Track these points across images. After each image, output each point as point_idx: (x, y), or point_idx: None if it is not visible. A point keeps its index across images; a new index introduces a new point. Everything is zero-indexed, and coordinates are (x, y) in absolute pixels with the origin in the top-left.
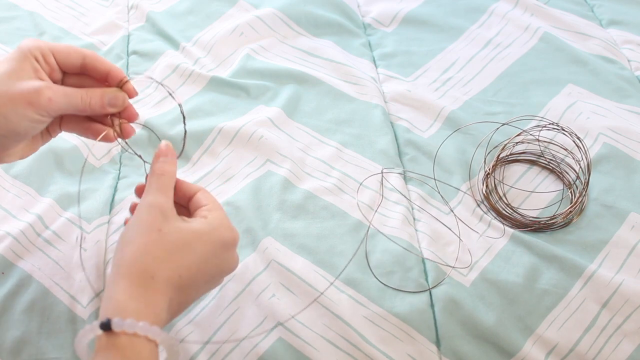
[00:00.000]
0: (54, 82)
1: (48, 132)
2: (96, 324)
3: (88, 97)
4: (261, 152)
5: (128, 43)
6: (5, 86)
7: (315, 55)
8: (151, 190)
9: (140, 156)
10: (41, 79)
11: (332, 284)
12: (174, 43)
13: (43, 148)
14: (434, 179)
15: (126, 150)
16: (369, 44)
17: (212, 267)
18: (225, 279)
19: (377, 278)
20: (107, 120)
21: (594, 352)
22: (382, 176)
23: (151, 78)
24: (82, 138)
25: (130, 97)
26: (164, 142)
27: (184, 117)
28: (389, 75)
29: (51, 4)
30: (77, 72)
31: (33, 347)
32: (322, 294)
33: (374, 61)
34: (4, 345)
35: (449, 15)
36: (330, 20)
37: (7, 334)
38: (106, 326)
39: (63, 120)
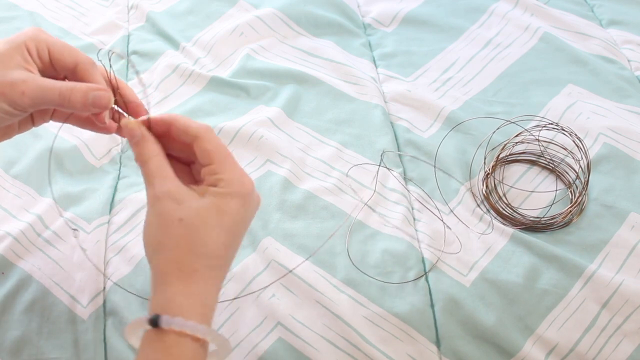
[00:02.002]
0: (49, 77)
1: (31, 121)
2: (145, 318)
3: (68, 93)
4: (261, 152)
5: (128, 43)
6: None
7: (315, 55)
8: (150, 181)
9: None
10: (29, 71)
11: (307, 259)
12: (174, 43)
13: (43, 148)
14: (435, 180)
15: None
16: (369, 44)
17: (242, 228)
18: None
19: (353, 263)
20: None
21: (594, 352)
22: (378, 171)
23: (118, 54)
24: (82, 138)
25: (127, 105)
26: (123, 122)
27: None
28: (389, 75)
29: (51, 4)
30: (71, 75)
31: (33, 347)
32: (291, 271)
33: (374, 61)
34: (4, 345)
35: (449, 15)
36: (330, 20)
37: (7, 334)
38: (155, 322)
39: (55, 111)
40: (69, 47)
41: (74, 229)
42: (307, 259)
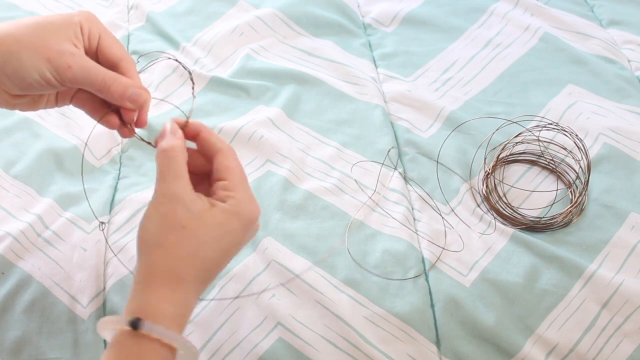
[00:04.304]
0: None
1: (55, 99)
2: (125, 319)
3: (111, 81)
4: (261, 152)
5: (128, 43)
6: (37, 33)
7: (316, 56)
8: (163, 176)
9: (150, 143)
10: (75, 46)
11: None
12: (174, 43)
13: (43, 148)
14: (437, 179)
15: (140, 139)
16: (369, 44)
17: (235, 250)
18: (225, 277)
19: (353, 259)
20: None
21: (594, 352)
22: (381, 170)
23: (170, 56)
24: (83, 138)
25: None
26: (168, 122)
27: (193, 88)
28: (389, 76)
29: (51, 4)
30: (112, 69)
31: (33, 347)
32: (297, 276)
33: (374, 61)
34: (4, 345)
35: (449, 16)
36: (330, 21)
37: (7, 334)
38: (135, 325)
39: (77, 93)
40: (118, 41)
41: (102, 222)
42: (314, 264)
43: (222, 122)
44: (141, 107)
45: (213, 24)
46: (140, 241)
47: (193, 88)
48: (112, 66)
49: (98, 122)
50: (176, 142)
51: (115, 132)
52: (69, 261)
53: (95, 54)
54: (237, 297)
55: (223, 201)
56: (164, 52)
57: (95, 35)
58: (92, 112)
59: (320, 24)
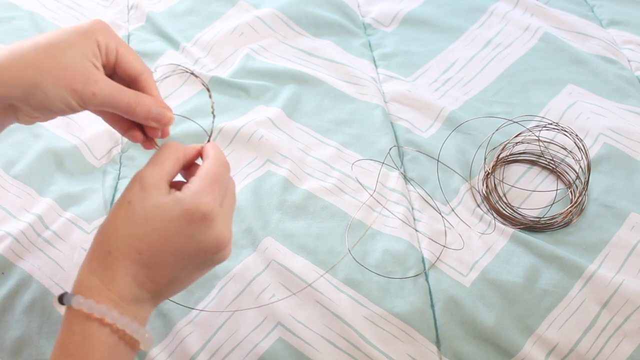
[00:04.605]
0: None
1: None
2: (56, 296)
3: (135, 104)
4: (261, 152)
5: (128, 43)
6: (57, 59)
7: (315, 56)
8: (148, 162)
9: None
10: (95, 67)
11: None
12: (174, 43)
13: (43, 148)
14: (437, 179)
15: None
16: (369, 44)
17: (179, 244)
18: (225, 277)
19: (354, 258)
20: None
21: (594, 352)
22: (380, 170)
23: (186, 69)
24: (83, 138)
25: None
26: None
27: (212, 106)
28: (389, 76)
29: (51, 4)
30: (131, 82)
31: (33, 347)
32: (310, 285)
33: (374, 61)
34: (4, 345)
35: (449, 16)
36: (330, 20)
37: (7, 334)
38: (61, 299)
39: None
40: (135, 54)
41: None
42: (325, 273)
43: (222, 122)
44: (164, 125)
45: (213, 24)
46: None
47: (212, 106)
48: (132, 80)
49: (123, 135)
50: (174, 144)
51: (115, 132)
52: (69, 261)
53: (113, 68)
54: (237, 310)
55: (179, 190)
56: (181, 66)
57: (113, 50)
58: (114, 125)
59: (320, 24)
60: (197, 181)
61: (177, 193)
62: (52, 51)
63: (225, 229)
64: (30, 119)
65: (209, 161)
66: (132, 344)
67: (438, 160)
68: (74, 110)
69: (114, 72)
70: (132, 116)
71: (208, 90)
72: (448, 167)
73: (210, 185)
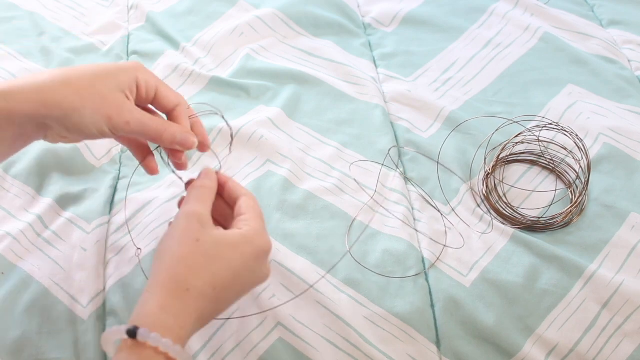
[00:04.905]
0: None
1: None
2: (124, 328)
3: (162, 131)
4: (261, 152)
5: (128, 43)
6: (97, 86)
7: (315, 56)
8: (190, 199)
9: (181, 178)
10: (128, 98)
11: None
12: (174, 43)
13: (43, 148)
14: (437, 179)
15: (178, 176)
16: (369, 44)
17: (245, 278)
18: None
19: (354, 258)
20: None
21: (594, 352)
22: (380, 171)
23: (216, 110)
24: None
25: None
26: (205, 169)
27: (231, 138)
28: (389, 75)
29: (51, 4)
30: (167, 113)
31: (33, 347)
32: (312, 286)
33: (374, 61)
34: (4, 345)
35: (449, 15)
36: (330, 20)
37: (7, 334)
38: (132, 333)
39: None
40: (171, 90)
41: (138, 248)
42: (326, 274)
43: (222, 122)
44: (188, 148)
45: (213, 24)
46: (155, 254)
47: (231, 144)
48: (168, 111)
49: (140, 163)
50: (208, 183)
51: None
52: (69, 261)
53: (151, 101)
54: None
55: (239, 229)
56: (210, 105)
57: (153, 87)
58: (134, 151)
59: (320, 24)
60: (253, 219)
61: (242, 231)
62: (94, 80)
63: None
64: (58, 139)
65: (250, 199)
66: None
67: (438, 163)
68: (104, 136)
69: (149, 103)
70: (160, 142)
71: (231, 137)
72: (447, 168)
73: (262, 222)
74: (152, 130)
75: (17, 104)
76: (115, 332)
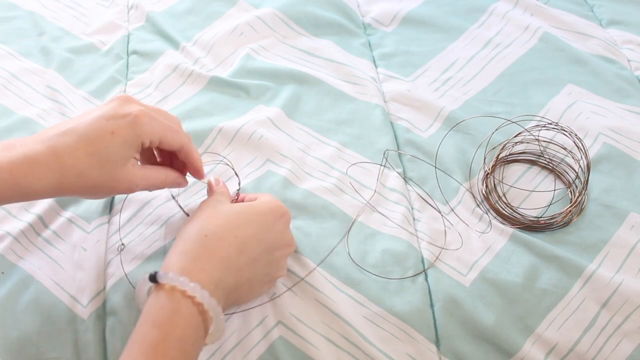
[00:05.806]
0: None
1: None
2: (147, 275)
3: (164, 179)
4: (261, 152)
5: (128, 43)
6: (105, 167)
7: (315, 55)
8: (211, 192)
9: (182, 208)
10: (135, 158)
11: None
12: (174, 43)
13: None
14: (437, 179)
15: (180, 207)
16: (369, 44)
17: (266, 234)
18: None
19: (352, 259)
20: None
21: (593, 351)
22: (380, 171)
23: (227, 162)
24: None
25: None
26: (212, 179)
27: (239, 183)
28: (389, 75)
29: (51, 4)
30: (175, 155)
31: (33, 347)
32: (303, 279)
33: (374, 61)
34: (4, 345)
35: (449, 15)
36: (330, 20)
37: (7, 334)
38: (153, 278)
39: None
40: (175, 134)
41: (122, 243)
42: (317, 266)
43: (221, 122)
44: (180, 187)
45: (213, 23)
46: (178, 231)
47: (239, 184)
48: (173, 154)
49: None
50: (225, 190)
51: None
52: (69, 261)
53: (156, 148)
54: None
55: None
56: (219, 154)
57: (157, 139)
58: (144, 161)
59: (320, 24)
60: (266, 195)
61: (257, 200)
62: (108, 168)
63: None
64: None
65: (266, 194)
66: (206, 329)
67: (435, 167)
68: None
69: (155, 149)
70: (163, 187)
71: (239, 183)
72: (443, 172)
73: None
74: (158, 183)
75: (35, 193)
76: (143, 283)
